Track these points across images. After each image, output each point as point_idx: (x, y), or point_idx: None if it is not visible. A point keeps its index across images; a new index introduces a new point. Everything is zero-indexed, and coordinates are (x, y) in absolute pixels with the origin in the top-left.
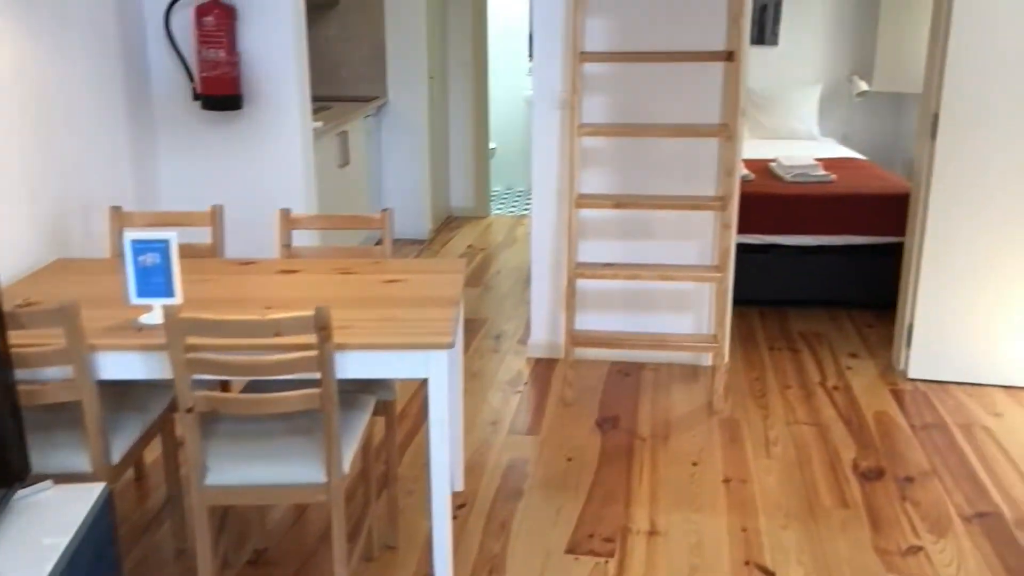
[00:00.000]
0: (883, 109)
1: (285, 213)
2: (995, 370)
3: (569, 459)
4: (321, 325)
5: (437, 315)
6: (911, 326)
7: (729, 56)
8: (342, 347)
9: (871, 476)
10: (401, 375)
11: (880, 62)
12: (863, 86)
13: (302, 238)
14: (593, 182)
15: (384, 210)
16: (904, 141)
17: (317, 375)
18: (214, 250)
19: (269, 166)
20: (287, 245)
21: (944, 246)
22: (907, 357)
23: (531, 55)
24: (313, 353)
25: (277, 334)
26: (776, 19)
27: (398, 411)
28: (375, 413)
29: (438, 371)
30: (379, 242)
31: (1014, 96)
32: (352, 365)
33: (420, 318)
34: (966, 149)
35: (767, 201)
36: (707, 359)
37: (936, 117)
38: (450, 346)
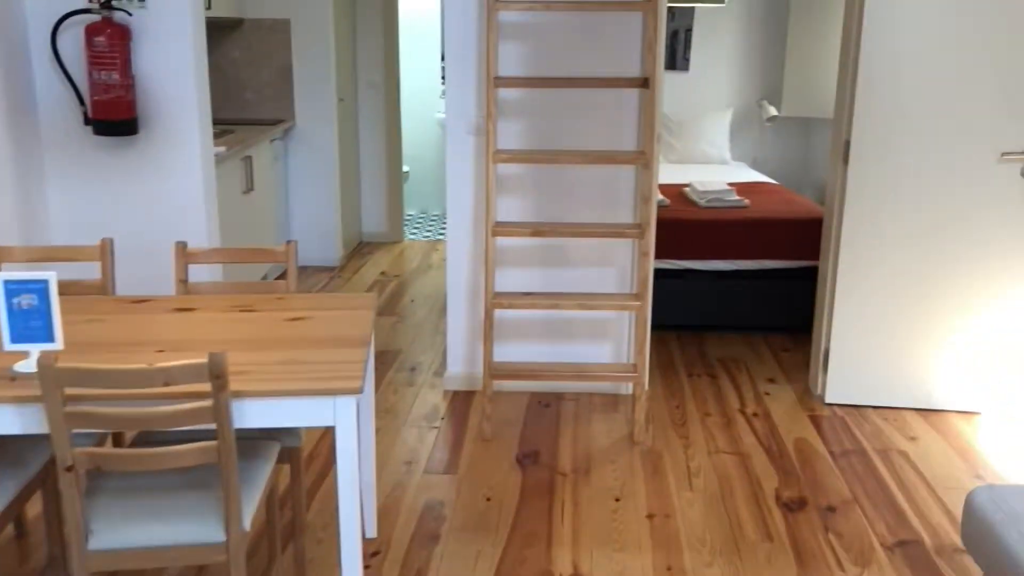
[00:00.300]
0: (792, 134)
1: (181, 246)
2: (909, 393)
3: (488, 499)
4: (216, 373)
5: (344, 357)
6: (827, 351)
7: (644, 83)
8: (239, 395)
9: (794, 507)
10: (305, 423)
11: (788, 88)
12: (772, 111)
13: (202, 272)
14: (510, 209)
15: (288, 242)
16: (813, 165)
17: (213, 426)
18: (104, 287)
19: (167, 194)
20: (183, 281)
21: (857, 270)
22: (824, 382)
23: (444, 78)
24: (207, 403)
25: (167, 383)
26: (687, 45)
27: (306, 453)
28: (280, 460)
29: (346, 418)
30: (282, 275)
31: (922, 123)
32: (251, 414)
33: (326, 360)
34: (877, 175)
35: (682, 227)
36: (628, 388)
37: (847, 144)
38: (359, 391)
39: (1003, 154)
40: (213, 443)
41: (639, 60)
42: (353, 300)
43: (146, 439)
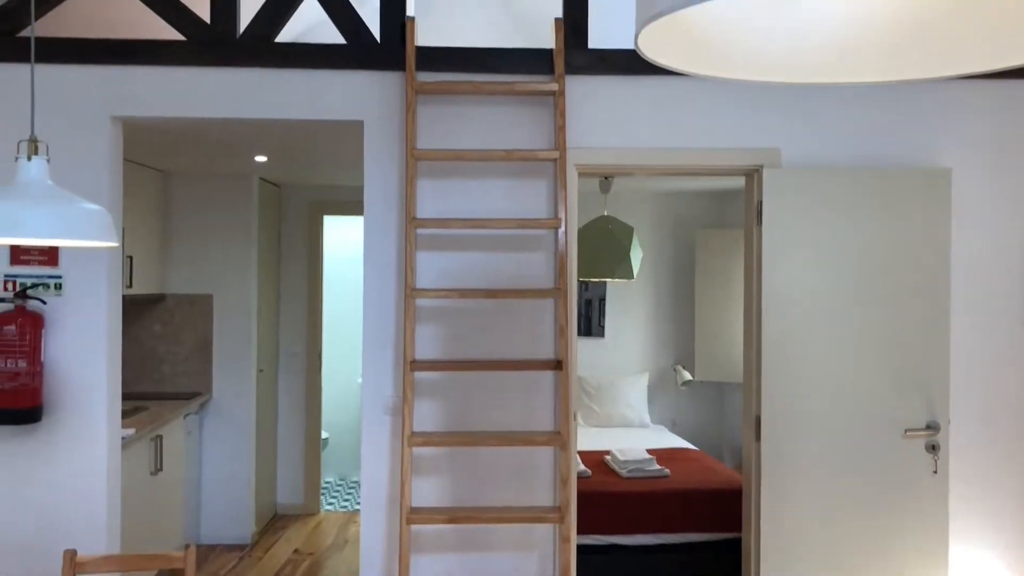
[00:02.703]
0: (708, 397)
1: (70, 555)
2: None
3: None
4: None
5: None
6: None
7: (558, 365)
8: None
9: None
10: None
11: (700, 354)
12: (687, 375)
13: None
14: (426, 492)
15: (187, 546)
16: (730, 428)
17: None
18: None
19: (67, 486)
20: None
21: (781, 546)
22: None
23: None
24: None
25: None
26: (601, 313)
27: None
28: None
29: None
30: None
31: (827, 401)
32: None
33: None
34: (789, 450)
35: (604, 500)
36: None
37: (758, 420)
38: None
39: (907, 431)
40: None
41: (553, 341)
42: None
43: None
